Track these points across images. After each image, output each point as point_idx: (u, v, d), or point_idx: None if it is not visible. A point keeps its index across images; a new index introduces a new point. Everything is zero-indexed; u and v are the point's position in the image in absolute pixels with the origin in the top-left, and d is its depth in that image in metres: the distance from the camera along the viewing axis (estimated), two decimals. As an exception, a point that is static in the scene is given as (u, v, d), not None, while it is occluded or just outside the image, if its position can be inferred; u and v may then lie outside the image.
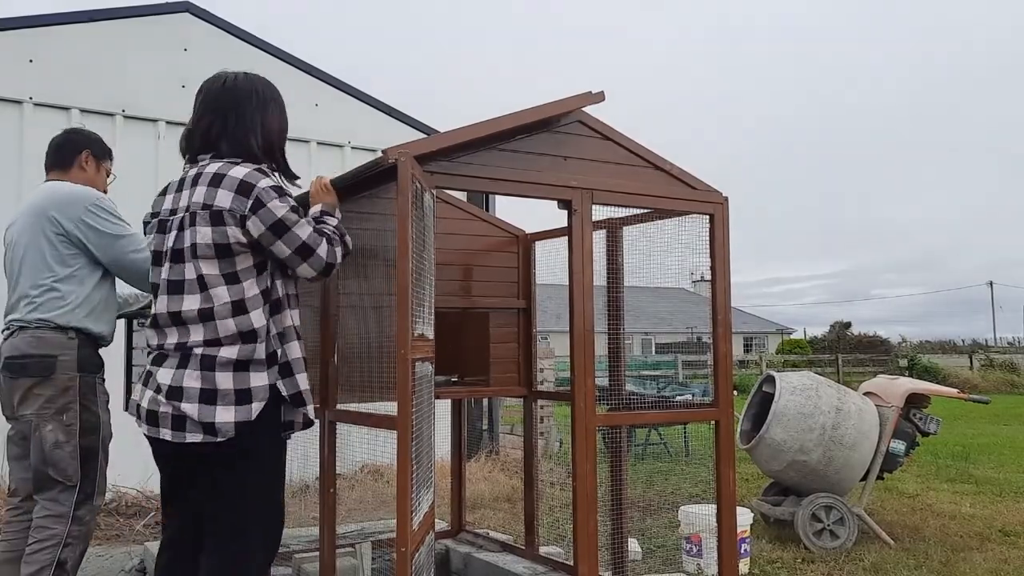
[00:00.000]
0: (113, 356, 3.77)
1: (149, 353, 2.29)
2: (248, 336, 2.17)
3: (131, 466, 5.98)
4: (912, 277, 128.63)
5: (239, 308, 2.17)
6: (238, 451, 2.16)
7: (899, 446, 5.49)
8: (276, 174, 2.38)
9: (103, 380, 3.14)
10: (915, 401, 5.62)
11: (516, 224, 3.89)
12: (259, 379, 2.17)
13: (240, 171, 2.20)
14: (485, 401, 8.10)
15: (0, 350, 3.03)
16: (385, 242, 2.75)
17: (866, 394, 5.80)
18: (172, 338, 2.21)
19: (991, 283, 56.32)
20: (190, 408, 2.12)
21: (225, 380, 2.13)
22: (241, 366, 2.15)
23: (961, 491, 7.18)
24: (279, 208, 2.17)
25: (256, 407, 2.15)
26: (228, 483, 2.20)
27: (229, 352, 2.14)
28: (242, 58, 7.03)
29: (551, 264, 3.60)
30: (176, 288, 2.20)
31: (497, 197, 6.82)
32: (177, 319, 2.19)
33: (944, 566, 4.70)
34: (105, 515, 5.50)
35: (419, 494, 2.35)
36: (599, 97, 2.86)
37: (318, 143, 7.33)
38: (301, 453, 3.34)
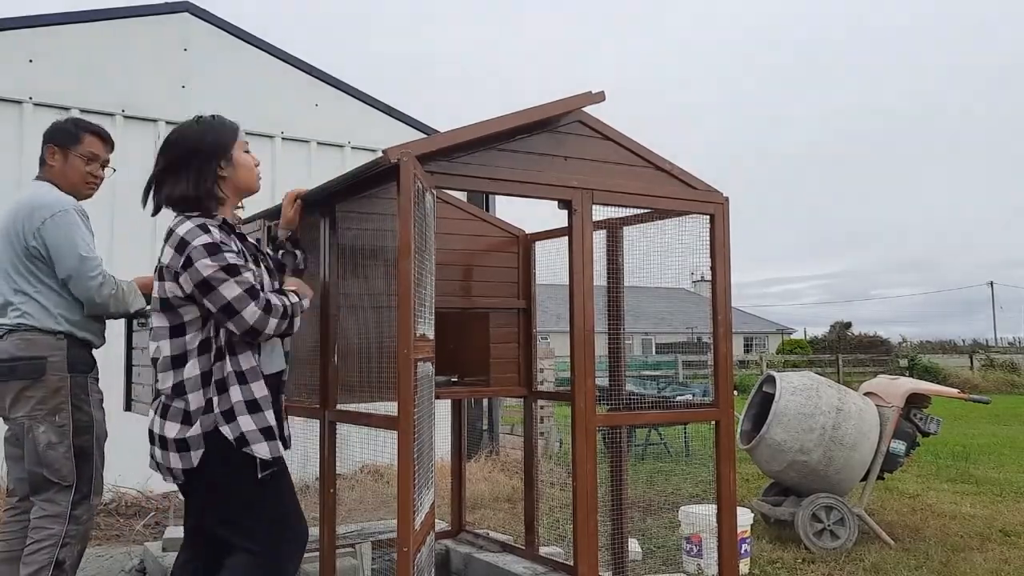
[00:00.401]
0: (113, 356, 3.78)
1: None
2: (180, 387, 2.25)
3: (131, 466, 5.98)
4: (912, 277, 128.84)
5: (179, 360, 2.26)
6: (202, 487, 2.31)
7: (899, 446, 5.49)
8: (222, 219, 2.34)
9: (96, 379, 3.13)
10: (915, 401, 5.62)
11: (516, 224, 3.89)
12: (195, 429, 2.24)
13: (183, 228, 2.24)
14: (485, 401, 8.09)
15: None
16: (385, 242, 2.75)
17: (866, 394, 5.80)
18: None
19: (991, 283, 56.38)
20: (157, 452, 2.30)
21: (172, 430, 2.25)
22: (185, 417, 2.25)
23: (961, 491, 7.17)
24: (206, 268, 2.19)
25: (196, 455, 2.24)
26: (208, 513, 2.36)
27: (178, 403, 2.26)
28: (242, 59, 7.04)
29: (551, 264, 3.60)
30: (151, 334, 2.35)
31: (497, 197, 6.82)
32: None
33: (944, 566, 4.70)
34: (105, 515, 5.51)
35: (420, 494, 2.35)
36: (599, 97, 2.86)
37: (318, 143, 7.33)
38: (301, 453, 3.34)
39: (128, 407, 3.57)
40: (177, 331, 2.26)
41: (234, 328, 2.24)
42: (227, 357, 2.28)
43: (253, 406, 2.30)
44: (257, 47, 7.18)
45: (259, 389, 2.32)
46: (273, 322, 2.26)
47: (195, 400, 2.24)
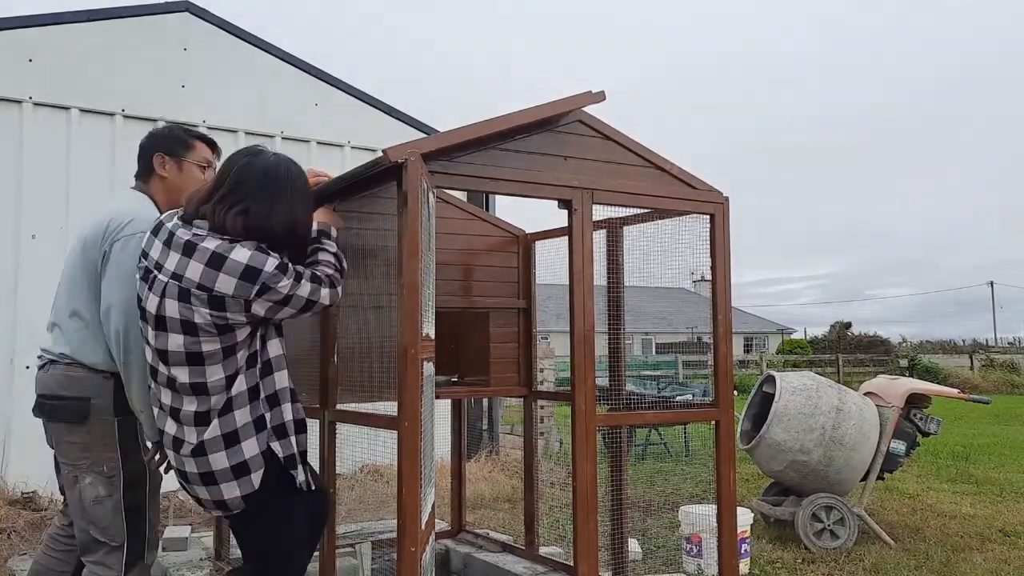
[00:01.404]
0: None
1: (162, 409, 2.27)
2: (229, 404, 2.18)
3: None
4: (909, 277, 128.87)
5: (231, 380, 2.18)
6: (251, 516, 2.27)
7: (899, 446, 5.49)
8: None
9: None
10: (915, 401, 5.61)
11: (516, 224, 3.89)
12: (250, 448, 2.19)
13: (242, 255, 2.12)
14: (485, 401, 8.09)
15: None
16: (385, 242, 2.74)
17: (866, 394, 5.80)
18: (170, 402, 2.22)
19: (991, 283, 56.28)
20: (202, 491, 2.24)
21: (219, 460, 2.18)
22: (231, 440, 2.18)
23: (961, 491, 7.17)
24: (285, 287, 2.16)
25: (256, 477, 2.20)
26: (247, 544, 2.37)
27: (216, 428, 2.17)
28: (242, 58, 7.04)
29: (551, 264, 3.60)
30: (169, 359, 2.17)
31: (497, 197, 6.81)
32: (172, 385, 2.19)
33: (944, 566, 4.70)
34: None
35: (424, 493, 2.35)
36: (599, 97, 2.86)
37: (318, 143, 7.33)
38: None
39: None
40: (230, 351, 2.17)
41: (308, 313, 2.27)
42: (276, 372, 2.26)
43: (301, 426, 2.32)
44: (257, 46, 7.17)
45: (295, 410, 2.33)
46: (338, 290, 2.32)
47: (242, 416, 2.18)
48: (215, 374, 2.16)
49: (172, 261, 2.16)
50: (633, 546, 4.55)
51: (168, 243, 2.20)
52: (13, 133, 6.06)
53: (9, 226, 5.98)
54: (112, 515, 2.52)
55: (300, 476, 2.28)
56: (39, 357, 2.63)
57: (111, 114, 6.39)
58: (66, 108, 6.23)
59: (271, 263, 2.15)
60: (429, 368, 2.51)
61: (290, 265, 2.21)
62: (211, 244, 2.14)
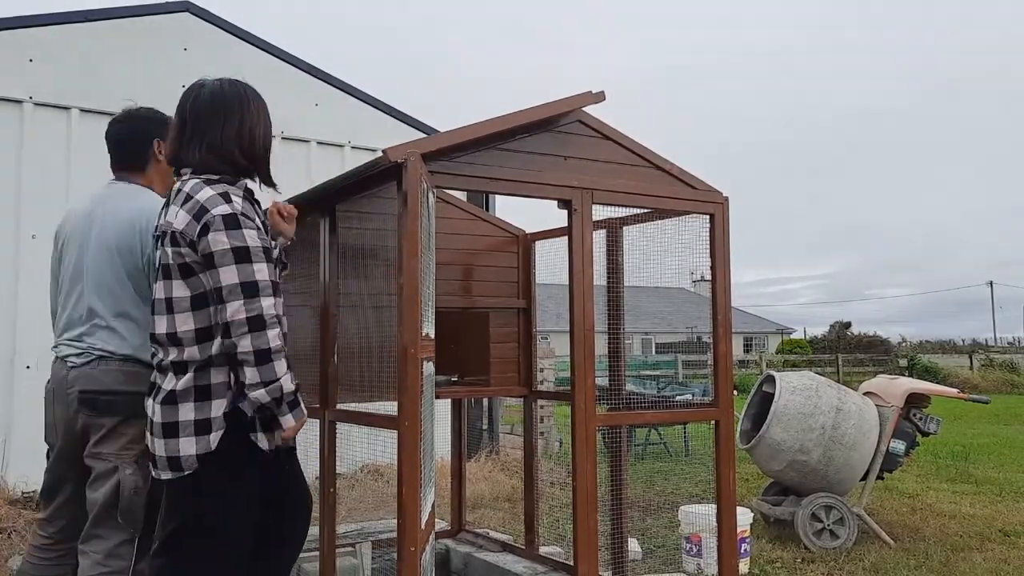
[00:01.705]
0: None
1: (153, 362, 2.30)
2: (209, 361, 2.16)
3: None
4: (910, 277, 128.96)
5: (203, 335, 2.17)
6: (197, 481, 2.15)
7: (899, 446, 5.49)
8: (253, 185, 2.33)
9: None
10: (915, 401, 5.62)
11: (516, 224, 3.90)
12: (218, 407, 2.16)
13: (204, 195, 2.16)
14: (485, 401, 8.09)
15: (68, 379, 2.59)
16: (385, 242, 2.75)
17: (866, 394, 5.80)
18: (158, 355, 2.24)
19: (991, 283, 56.30)
20: (160, 446, 2.17)
21: (186, 411, 2.15)
22: (202, 394, 2.16)
23: (961, 491, 7.17)
24: (217, 242, 2.11)
25: (214, 437, 2.15)
26: (184, 518, 2.19)
27: (190, 380, 2.16)
28: (242, 58, 7.03)
29: (551, 264, 3.60)
30: (154, 308, 2.23)
31: (497, 197, 6.81)
32: (154, 339, 2.24)
33: (944, 566, 4.70)
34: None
35: (424, 493, 2.36)
36: (599, 97, 2.86)
37: (318, 143, 7.33)
38: (301, 453, 3.34)
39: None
40: (200, 301, 2.16)
41: (224, 314, 2.11)
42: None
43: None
44: (257, 46, 7.17)
45: None
46: (247, 339, 2.08)
47: (218, 375, 2.16)
48: (185, 324, 2.16)
49: (165, 215, 2.24)
50: (633, 545, 4.55)
51: (167, 202, 2.28)
52: (14, 133, 6.06)
53: (9, 226, 5.99)
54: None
55: (263, 442, 2.21)
56: (80, 354, 2.58)
57: (111, 114, 6.36)
58: (67, 108, 6.23)
59: (223, 208, 2.14)
60: (429, 368, 2.52)
61: (247, 248, 2.12)
62: (187, 187, 2.21)
